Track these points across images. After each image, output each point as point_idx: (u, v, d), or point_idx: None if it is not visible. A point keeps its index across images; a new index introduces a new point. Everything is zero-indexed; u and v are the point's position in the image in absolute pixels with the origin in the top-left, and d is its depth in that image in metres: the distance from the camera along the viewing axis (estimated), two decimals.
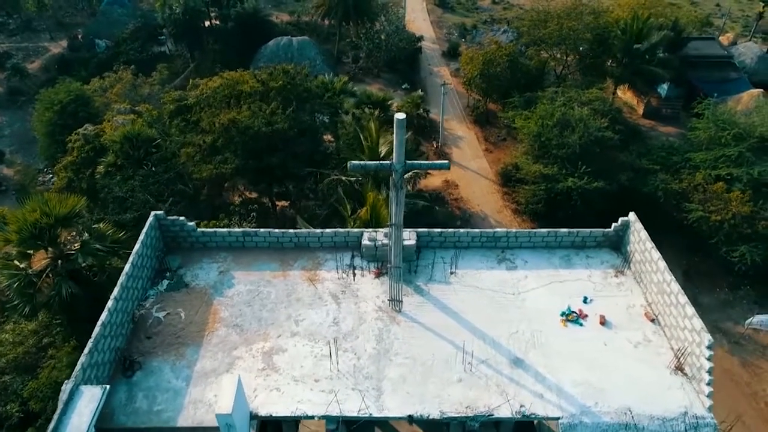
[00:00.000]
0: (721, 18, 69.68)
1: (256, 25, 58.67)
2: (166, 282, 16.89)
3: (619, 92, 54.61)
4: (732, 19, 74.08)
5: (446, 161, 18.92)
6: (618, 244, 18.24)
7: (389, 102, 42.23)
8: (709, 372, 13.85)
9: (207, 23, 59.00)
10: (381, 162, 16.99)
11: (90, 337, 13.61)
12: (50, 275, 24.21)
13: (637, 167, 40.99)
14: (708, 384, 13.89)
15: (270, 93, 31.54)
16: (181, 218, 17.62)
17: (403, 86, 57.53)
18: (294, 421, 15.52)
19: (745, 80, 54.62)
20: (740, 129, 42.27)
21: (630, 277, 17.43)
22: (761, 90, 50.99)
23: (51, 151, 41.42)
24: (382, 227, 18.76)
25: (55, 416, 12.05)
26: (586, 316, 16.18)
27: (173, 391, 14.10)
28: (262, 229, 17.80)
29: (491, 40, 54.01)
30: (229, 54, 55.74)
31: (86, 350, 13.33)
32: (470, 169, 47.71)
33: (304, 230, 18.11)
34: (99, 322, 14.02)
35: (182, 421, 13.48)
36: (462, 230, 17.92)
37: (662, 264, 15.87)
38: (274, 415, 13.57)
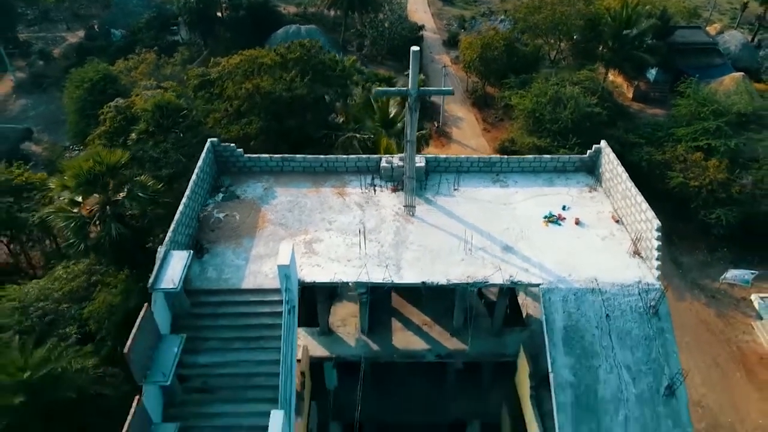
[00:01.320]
0: (709, 11, 74.31)
1: (265, 14, 63.18)
2: (221, 195, 21.11)
3: (610, 76, 58.98)
4: (720, 12, 78.81)
5: (450, 88, 23.16)
6: (592, 168, 22.53)
7: (394, 80, 46.60)
8: (658, 249, 18.10)
9: (219, 13, 63.35)
10: (400, 88, 21.28)
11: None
12: (98, 220, 28.42)
13: (624, 141, 45.35)
14: (657, 260, 18.14)
15: (288, 64, 35.84)
16: (232, 145, 21.88)
17: (405, 72, 61.88)
18: (327, 292, 19.66)
19: (729, 66, 59.20)
20: (719, 105, 46.82)
21: (601, 192, 21.72)
22: (742, 73, 55.51)
23: (81, 126, 45.43)
24: None
25: (155, 270, 16.20)
26: (564, 218, 20.43)
27: (236, 267, 18.30)
28: (298, 155, 22.06)
29: (489, 27, 58.51)
30: (240, 42, 59.95)
31: (170, 230, 17.51)
32: (470, 147, 52.07)
33: (332, 156, 22.32)
34: (177, 213, 18.21)
35: (245, 285, 17.67)
36: (462, 156, 22.21)
37: (625, 175, 20.16)
38: (317, 281, 17.76)
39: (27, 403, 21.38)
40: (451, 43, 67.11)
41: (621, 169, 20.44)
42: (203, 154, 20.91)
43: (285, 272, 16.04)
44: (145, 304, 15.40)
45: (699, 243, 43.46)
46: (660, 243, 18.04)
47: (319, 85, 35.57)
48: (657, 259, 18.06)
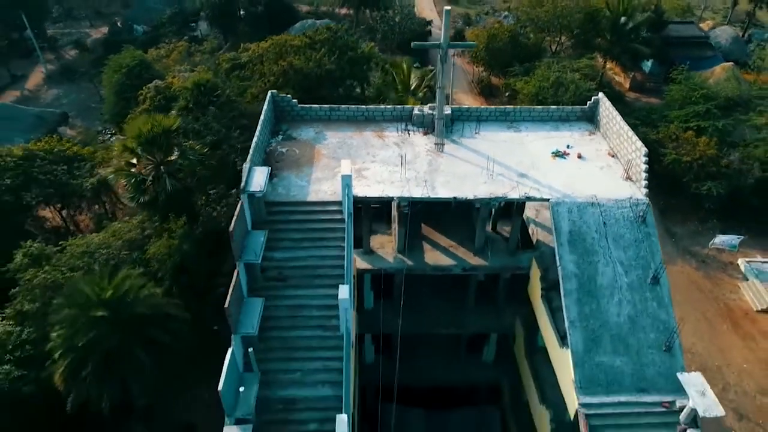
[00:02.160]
0: (701, 9, 79.60)
1: (282, 10, 68.15)
2: (280, 136, 25.63)
3: (608, 68, 63.88)
4: (713, 10, 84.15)
5: (474, 42, 27.65)
6: (591, 117, 27.17)
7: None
8: (646, 171, 22.63)
9: (239, 9, 68.31)
10: (433, 42, 25.91)
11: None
12: (154, 178, 32.90)
13: None
14: (645, 180, 22.66)
15: (316, 45, 40.53)
16: (288, 96, 26.44)
17: (415, 65, 66.77)
18: (369, 219, 24.12)
19: (720, 57, 64.19)
20: (709, 90, 51.76)
21: (599, 135, 26.34)
22: (732, 63, 60.49)
23: (118, 107, 49.93)
24: None
25: (243, 179, 20.66)
26: (568, 153, 25.01)
27: (300, 187, 22.83)
28: (342, 106, 26.64)
29: (494, 21, 63.51)
30: (258, 36, 64.73)
31: (249, 154, 21.97)
32: None
33: (372, 106, 26.86)
34: (252, 144, 22.71)
35: (309, 199, 22.17)
36: (482, 106, 26.78)
37: (619, 117, 24.77)
38: (368, 195, 22.25)
39: (108, 318, 25.57)
40: (457, 38, 71.98)
41: (615, 112, 25.06)
42: (265, 104, 25.46)
43: (347, 182, 20.52)
44: (239, 202, 19.87)
45: (691, 215, 47.98)
46: (647, 167, 22.60)
47: (345, 64, 40.23)
48: (645, 179, 22.60)
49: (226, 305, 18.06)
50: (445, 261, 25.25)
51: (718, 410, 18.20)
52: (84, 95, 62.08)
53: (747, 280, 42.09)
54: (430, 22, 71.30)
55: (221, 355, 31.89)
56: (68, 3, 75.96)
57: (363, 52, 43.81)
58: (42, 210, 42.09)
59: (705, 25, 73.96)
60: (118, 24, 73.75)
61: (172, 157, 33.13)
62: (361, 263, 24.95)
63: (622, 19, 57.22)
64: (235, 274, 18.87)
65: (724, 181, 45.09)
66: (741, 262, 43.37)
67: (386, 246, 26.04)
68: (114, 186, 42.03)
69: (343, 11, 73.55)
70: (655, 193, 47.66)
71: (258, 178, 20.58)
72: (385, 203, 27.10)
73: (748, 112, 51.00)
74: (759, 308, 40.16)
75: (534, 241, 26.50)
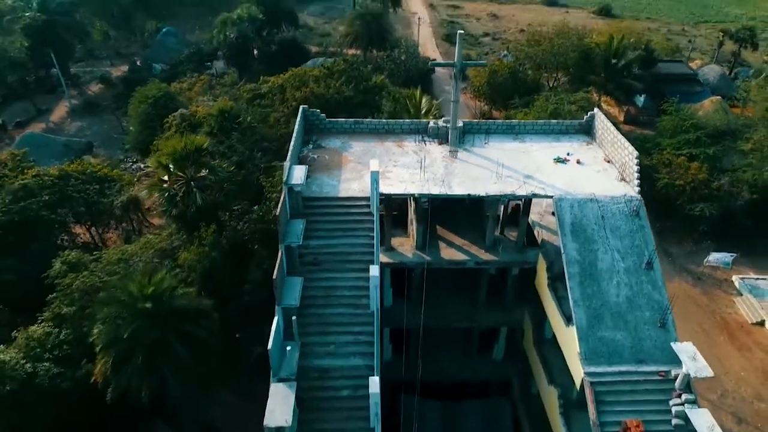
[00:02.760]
0: (690, 50, 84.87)
1: (294, 49, 72.93)
2: (310, 145, 28.98)
3: (603, 104, 68.22)
4: (702, 51, 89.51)
5: (484, 61, 31.28)
6: (588, 130, 30.63)
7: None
8: (638, 172, 25.84)
9: (254, 49, 73.16)
10: (447, 62, 29.53)
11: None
12: (185, 192, 36.12)
13: None
14: (637, 179, 25.84)
15: (334, 75, 44.49)
16: (317, 111, 29.91)
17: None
18: (391, 219, 27.18)
19: (708, 92, 68.81)
20: (698, 121, 55.80)
21: (595, 145, 29.75)
22: (719, 97, 64.93)
23: (143, 135, 53.54)
24: None
25: (285, 173, 23.82)
26: (569, 159, 28.32)
27: (331, 185, 26.04)
28: (365, 120, 30.11)
29: (495, 58, 68.13)
30: (272, 73, 69.27)
31: (288, 156, 25.22)
32: None
33: (392, 120, 30.30)
34: (290, 147, 25.99)
35: (340, 195, 25.31)
36: (490, 120, 30.23)
37: (614, 128, 28.17)
38: (393, 192, 25.38)
39: (150, 311, 28.19)
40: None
41: (609, 123, 28.52)
42: (298, 117, 28.91)
43: (375, 177, 23.68)
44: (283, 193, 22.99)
45: (686, 236, 51.14)
46: (638, 168, 25.85)
47: (360, 93, 44.13)
48: (637, 179, 25.81)
49: (274, 277, 20.89)
50: (459, 257, 28.17)
51: (708, 371, 20.89)
52: (106, 126, 65.96)
53: (741, 295, 44.86)
54: (432, 61, 75.93)
55: (242, 362, 34.34)
56: (90, 44, 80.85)
57: (375, 83, 47.82)
58: (73, 227, 45.08)
59: (694, 65, 78.97)
60: (138, 63, 78.44)
61: (202, 174, 36.46)
62: (382, 258, 27.85)
63: (614, 60, 61.91)
64: (279, 255, 21.79)
65: (715, 203, 48.42)
66: (735, 278, 46.24)
67: (405, 245, 28.99)
68: (142, 204, 45.14)
69: (351, 51, 78.33)
70: (651, 217, 50.87)
71: (298, 173, 23.77)
72: (403, 210, 30.28)
73: (736, 140, 54.78)
74: (753, 321, 42.83)
75: (539, 241, 29.45)
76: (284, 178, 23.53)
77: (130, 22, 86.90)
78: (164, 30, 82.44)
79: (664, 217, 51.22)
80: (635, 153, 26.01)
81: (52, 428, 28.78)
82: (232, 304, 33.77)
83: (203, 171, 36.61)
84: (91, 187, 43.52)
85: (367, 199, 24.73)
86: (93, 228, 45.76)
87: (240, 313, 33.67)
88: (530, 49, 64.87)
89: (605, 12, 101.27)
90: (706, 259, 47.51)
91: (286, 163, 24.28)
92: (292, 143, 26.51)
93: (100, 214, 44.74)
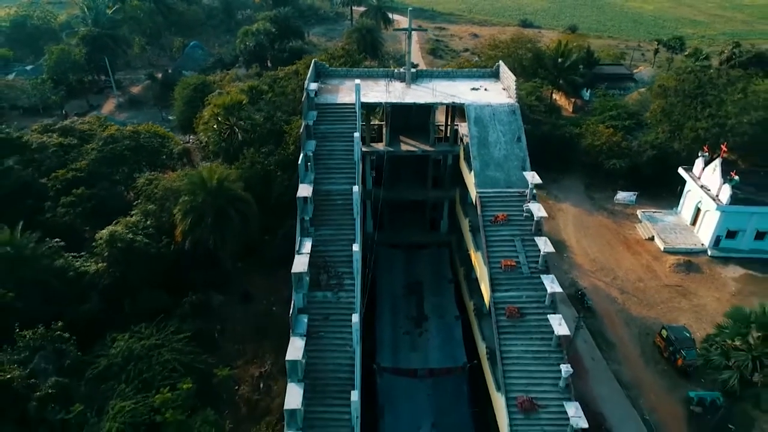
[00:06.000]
0: (632, 57, 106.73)
1: (302, 55, 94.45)
2: (319, 81, 49.38)
3: (555, 97, 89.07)
4: (650, 61, 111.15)
5: (426, 28, 52.26)
6: (497, 74, 51.18)
7: None
8: (516, 89, 46.02)
9: (269, 56, 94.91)
10: (403, 28, 50.34)
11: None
12: (228, 132, 56.56)
13: (556, 124, 74.47)
14: (516, 92, 46.00)
15: (335, 60, 65.63)
16: (323, 61, 50.47)
17: None
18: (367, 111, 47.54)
19: (638, 87, 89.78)
20: (618, 102, 76.99)
21: (499, 83, 50.22)
22: (644, 89, 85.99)
23: (186, 113, 73.86)
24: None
25: (306, 82, 44.01)
26: (479, 89, 48.66)
27: (332, 99, 46.69)
28: (354, 68, 50.64)
29: (464, 59, 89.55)
30: None
31: (307, 81, 45.51)
32: None
33: (372, 68, 50.82)
34: (306, 81, 46.37)
35: (338, 102, 45.62)
36: (433, 68, 50.75)
37: (509, 71, 48.54)
38: (369, 101, 45.63)
39: (215, 190, 47.91)
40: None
41: (508, 69, 48.93)
42: (311, 66, 49.29)
43: (358, 88, 43.81)
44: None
45: (606, 186, 71.18)
46: (516, 86, 46.05)
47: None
48: (515, 94, 45.97)
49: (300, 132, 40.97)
50: (413, 148, 48.33)
51: (537, 179, 40.42)
52: (146, 116, 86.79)
53: (641, 222, 64.36)
54: (416, 65, 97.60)
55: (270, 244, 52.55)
56: (129, 56, 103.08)
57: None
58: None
59: (638, 69, 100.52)
60: (169, 71, 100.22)
61: (242, 121, 56.96)
62: (364, 149, 47.82)
63: (560, 59, 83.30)
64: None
65: (625, 158, 68.61)
66: (639, 212, 65.83)
67: (379, 145, 49.12)
68: (192, 153, 65.47)
69: None
70: (580, 174, 71.56)
71: (312, 85, 44.10)
72: (378, 132, 50.47)
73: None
74: (646, 237, 62.28)
75: (462, 140, 49.46)
76: (305, 85, 43.83)
77: (160, 39, 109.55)
78: (192, 44, 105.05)
79: (592, 175, 71.42)
80: (514, 78, 46.41)
81: (147, 280, 46.63)
82: (264, 203, 53.32)
83: (241, 120, 57.13)
84: (156, 140, 63.81)
85: (353, 105, 44.87)
86: (157, 169, 65.84)
87: (269, 208, 53.23)
88: (491, 52, 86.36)
89: (572, 31, 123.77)
90: (615, 197, 67.33)
91: (306, 81, 44.66)
92: (308, 77, 47.00)
93: (161, 160, 64.93)
